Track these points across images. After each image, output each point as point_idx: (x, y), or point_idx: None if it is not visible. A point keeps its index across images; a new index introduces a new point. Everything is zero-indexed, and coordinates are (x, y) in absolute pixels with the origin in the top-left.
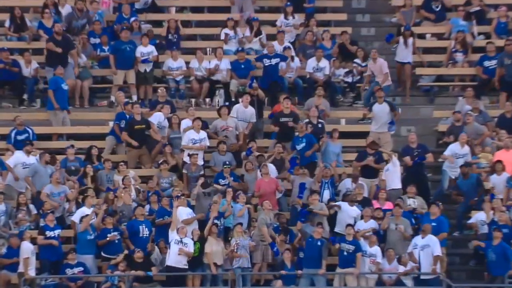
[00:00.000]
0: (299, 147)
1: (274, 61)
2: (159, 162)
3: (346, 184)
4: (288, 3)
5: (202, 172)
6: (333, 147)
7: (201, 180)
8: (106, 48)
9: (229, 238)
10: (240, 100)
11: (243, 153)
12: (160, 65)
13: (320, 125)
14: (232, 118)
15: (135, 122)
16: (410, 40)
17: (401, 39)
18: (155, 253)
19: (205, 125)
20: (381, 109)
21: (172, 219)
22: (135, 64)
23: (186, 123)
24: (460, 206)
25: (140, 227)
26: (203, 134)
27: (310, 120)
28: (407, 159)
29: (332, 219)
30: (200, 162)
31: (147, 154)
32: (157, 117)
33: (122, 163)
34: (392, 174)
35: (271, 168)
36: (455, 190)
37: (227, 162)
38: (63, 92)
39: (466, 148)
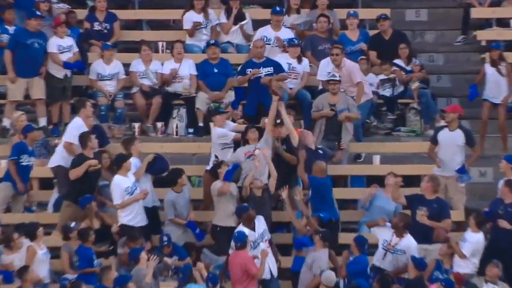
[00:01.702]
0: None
1: (264, 70)
2: (71, 225)
3: (383, 233)
4: None
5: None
6: (386, 202)
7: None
8: (11, 28)
9: None
10: (212, 120)
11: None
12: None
13: (321, 151)
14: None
15: (88, 160)
16: (503, 65)
17: (487, 66)
18: None
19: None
20: (451, 138)
21: None
22: (45, 66)
23: (135, 163)
24: None
25: None
26: (132, 176)
27: (305, 144)
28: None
29: None
30: (143, 222)
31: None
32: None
33: (16, 233)
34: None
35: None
36: None
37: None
38: None
39: None
